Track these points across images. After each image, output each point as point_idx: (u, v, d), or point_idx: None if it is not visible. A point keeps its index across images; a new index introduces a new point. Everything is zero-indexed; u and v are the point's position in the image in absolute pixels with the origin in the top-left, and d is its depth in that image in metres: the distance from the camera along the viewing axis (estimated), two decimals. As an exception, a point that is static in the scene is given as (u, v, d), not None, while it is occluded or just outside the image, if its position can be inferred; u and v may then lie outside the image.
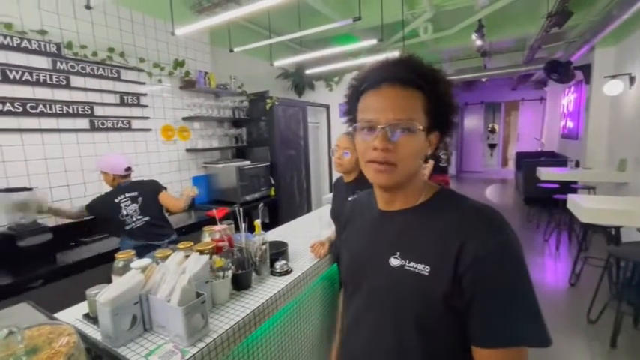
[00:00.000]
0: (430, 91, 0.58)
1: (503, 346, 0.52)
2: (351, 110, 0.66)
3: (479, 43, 4.09)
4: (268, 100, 3.56)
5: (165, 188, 2.16)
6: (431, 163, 4.06)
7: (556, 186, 4.28)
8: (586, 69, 4.67)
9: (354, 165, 1.49)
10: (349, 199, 1.21)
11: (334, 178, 1.80)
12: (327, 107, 4.98)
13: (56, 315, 1.00)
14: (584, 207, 2.33)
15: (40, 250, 1.88)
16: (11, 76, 1.95)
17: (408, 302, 0.58)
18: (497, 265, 0.52)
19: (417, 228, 0.62)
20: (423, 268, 0.57)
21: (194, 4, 3.05)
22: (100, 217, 2.03)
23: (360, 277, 0.68)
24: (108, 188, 2.02)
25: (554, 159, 6.23)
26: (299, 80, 4.79)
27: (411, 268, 0.58)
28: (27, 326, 0.68)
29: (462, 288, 0.53)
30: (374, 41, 2.94)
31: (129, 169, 2.04)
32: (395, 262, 0.61)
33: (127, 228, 1.93)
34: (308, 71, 4.22)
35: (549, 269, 3.38)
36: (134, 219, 1.96)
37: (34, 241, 1.86)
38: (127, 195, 1.97)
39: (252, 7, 2.03)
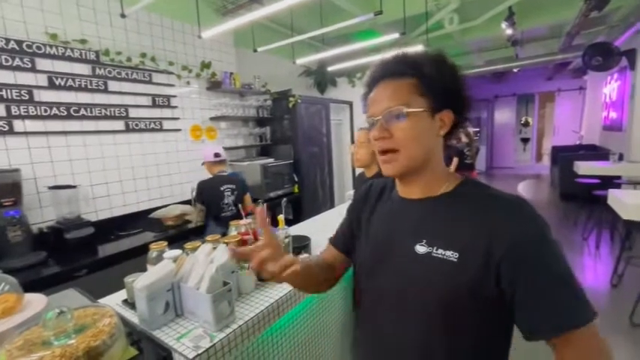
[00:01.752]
0: (422, 73, 0.61)
1: (567, 330, 0.52)
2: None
3: (509, 31, 3.90)
4: (291, 99, 3.61)
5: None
6: (455, 159, 3.94)
7: (596, 181, 4.01)
8: (631, 54, 4.31)
9: (371, 158, 1.52)
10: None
11: (356, 174, 1.81)
12: (350, 104, 4.96)
13: (99, 300, 1.09)
14: (627, 203, 2.18)
15: (84, 242, 2.04)
16: (57, 83, 2.13)
17: (436, 288, 0.59)
18: (539, 250, 0.53)
19: (444, 216, 0.62)
20: (451, 255, 0.57)
21: (219, 6, 3.15)
22: (206, 199, 2.33)
23: (380, 261, 0.68)
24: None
25: (595, 152, 5.83)
26: (321, 78, 4.80)
27: (439, 255, 0.59)
28: (75, 308, 0.75)
29: (498, 274, 0.54)
30: (396, 35, 2.90)
31: (217, 154, 2.41)
32: (421, 249, 0.61)
33: (222, 215, 2.22)
34: (330, 68, 4.22)
35: (589, 269, 3.18)
36: (230, 208, 2.33)
37: (78, 234, 2.02)
38: (228, 186, 2.35)
39: (275, 6, 2.07)
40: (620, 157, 4.30)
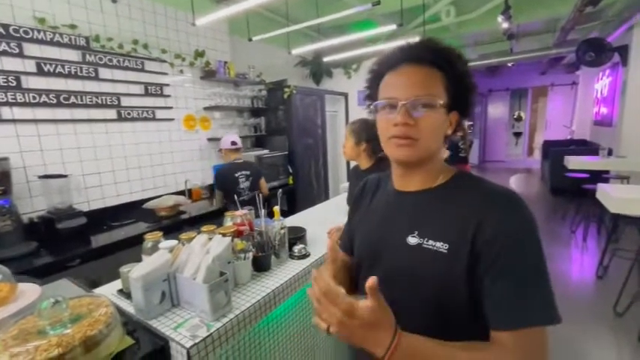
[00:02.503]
0: (448, 70, 0.60)
1: (514, 327, 0.52)
2: (372, 95, 0.68)
3: (505, 25, 3.90)
4: (286, 89, 3.57)
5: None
6: (447, 152, 3.97)
7: (586, 175, 4.08)
8: (623, 50, 4.36)
9: (354, 152, 1.60)
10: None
11: (351, 166, 1.82)
12: (346, 95, 4.94)
13: (94, 290, 1.09)
14: (614, 196, 2.23)
15: (76, 232, 2.01)
16: (45, 69, 2.07)
17: (426, 280, 0.59)
18: (515, 243, 0.53)
19: (435, 208, 0.62)
20: (441, 246, 0.58)
21: (213, -7, 3.08)
22: (222, 185, 2.52)
23: (376, 256, 0.69)
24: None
25: (585, 147, 5.92)
26: (317, 68, 4.76)
27: (430, 247, 0.59)
28: (70, 297, 0.75)
29: (479, 263, 0.54)
30: (393, 26, 2.87)
31: (234, 142, 2.56)
32: (413, 240, 0.62)
33: (240, 199, 2.29)
34: (326, 59, 4.18)
35: (576, 261, 3.26)
36: (246, 192, 2.51)
37: (70, 224, 2.00)
38: (242, 172, 2.52)
39: (270, -6, 2.03)
40: (610, 152, 4.38)
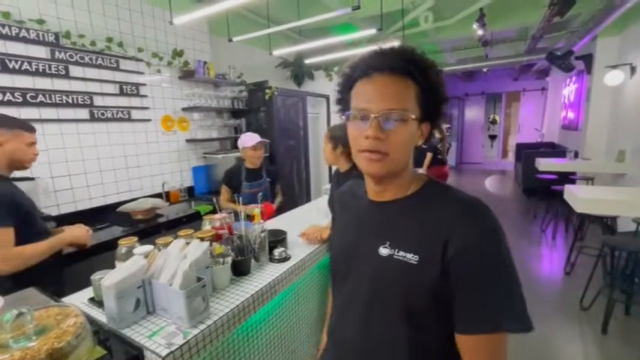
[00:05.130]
0: (421, 80, 0.59)
1: (481, 332, 0.54)
2: (343, 99, 0.67)
3: (480, 32, 4.06)
4: (267, 91, 3.55)
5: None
6: (429, 154, 4.07)
7: (555, 177, 4.30)
8: (588, 59, 4.64)
9: (332, 156, 1.63)
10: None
11: (333, 169, 1.84)
12: (327, 97, 4.96)
13: (62, 300, 1.04)
14: (579, 197, 2.36)
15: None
16: (10, 66, 1.95)
17: (397, 291, 0.60)
18: (480, 255, 0.54)
19: (407, 218, 0.63)
20: (411, 258, 0.58)
21: (192, -8, 3.02)
22: (229, 181, 2.40)
23: (349, 266, 0.69)
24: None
25: (554, 150, 6.24)
26: (298, 70, 4.76)
27: (400, 258, 0.59)
28: (35, 308, 0.71)
29: (448, 277, 0.55)
30: (373, 30, 2.92)
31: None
32: (384, 251, 0.62)
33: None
34: (307, 61, 4.19)
35: (545, 259, 3.43)
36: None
37: (37, 230, 1.89)
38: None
39: (251, -5, 2.02)
40: (576, 155, 4.64)
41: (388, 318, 0.61)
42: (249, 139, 2.32)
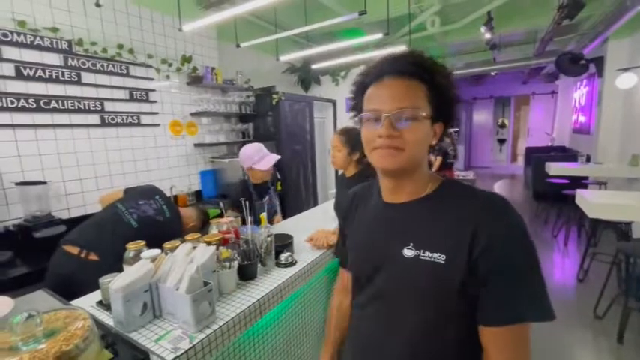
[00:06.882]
0: (431, 81, 0.60)
1: (504, 323, 0.55)
2: (357, 105, 0.68)
3: (488, 35, 4.03)
4: (274, 96, 3.57)
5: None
6: (439, 158, 4.05)
7: (566, 181, 4.22)
8: (599, 62, 4.56)
9: (346, 162, 1.59)
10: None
11: (339, 173, 1.83)
12: (334, 102, 4.98)
13: (72, 302, 1.05)
14: (592, 202, 2.31)
15: (54, 241, 1.94)
16: (25, 73, 2.01)
17: (426, 291, 0.60)
18: (506, 248, 0.55)
19: (428, 218, 0.63)
20: (438, 257, 0.58)
21: (201, -1, 3.07)
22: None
23: (373, 270, 0.68)
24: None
25: (565, 154, 6.13)
26: (305, 75, 4.79)
27: (427, 258, 0.59)
28: (45, 311, 0.72)
29: (477, 274, 0.56)
30: (380, 35, 2.92)
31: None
32: (409, 252, 0.62)
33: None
34: (314, 66, 4.21)
35: (557, 265, 3.35)
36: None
37: (48, 233, 1.92)
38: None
39: (259, 1, 2.04)
40: (588, 159, 4.55)
41: (419, 318, 0.61)
42: (262, 162, 1.96)
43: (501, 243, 0.55)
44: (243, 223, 1.37)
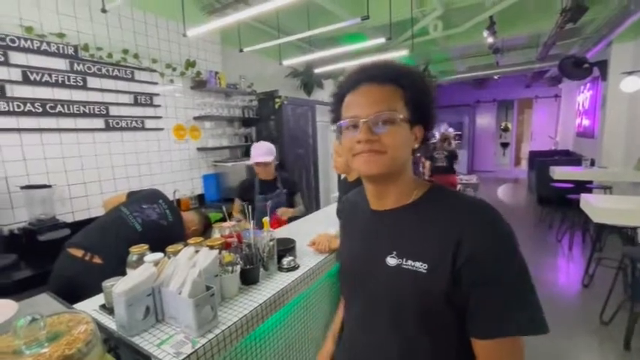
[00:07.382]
0: (407, 86, 0.61)
1: (493, 337, 0.54)
2: (336, 117, 0.68)
3: (490, 40, 4.03)
4: (277, 100, 3.59)
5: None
6: (428, 163, 4.06)
7: (570, 185, 4.19)
8: (603, 65, 4.55)
9: (347, 166, 1.58)
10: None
11: (341, 177, 1.83)
12: (336, 106, 4.98)
13: (74, 306, 1.05)
14: (597, 207, 2.29)
15: (59, 244, 1.95)
16: (32, 78, 2.04)
17: (408, 301, 0.59)
18: (492, 260, 0.53)
19: (412, 226, 0.62)
20: (420, 266, 0.57)
21: (205, 5, 3.11)
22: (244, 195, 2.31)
23: (357, 279, 0.68)
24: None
25: (569, 157, 6.09)
26: (308, 79, 4.81)
27: (409, 267, 0.58)
28: (48, 314, 0.72)
29: (460, 284, 0.54)
30: (382, 39, 2.94)
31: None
32: (392, 261, 0.61)
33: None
34: (317, 70, 4.23)
35: (562, 270, 3.31)
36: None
37: (53, 236, 1.94)
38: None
39: (262, 7, 2.06)
40: (592, 163, 4.51)
41: (402, 329, 0.60)
42: (253, 155, 2.20)
43: (486, 254, 0.53)
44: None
